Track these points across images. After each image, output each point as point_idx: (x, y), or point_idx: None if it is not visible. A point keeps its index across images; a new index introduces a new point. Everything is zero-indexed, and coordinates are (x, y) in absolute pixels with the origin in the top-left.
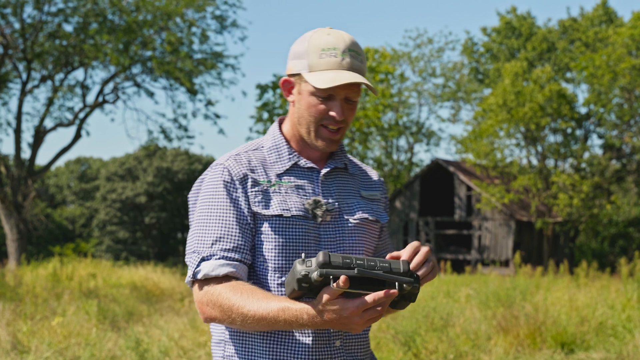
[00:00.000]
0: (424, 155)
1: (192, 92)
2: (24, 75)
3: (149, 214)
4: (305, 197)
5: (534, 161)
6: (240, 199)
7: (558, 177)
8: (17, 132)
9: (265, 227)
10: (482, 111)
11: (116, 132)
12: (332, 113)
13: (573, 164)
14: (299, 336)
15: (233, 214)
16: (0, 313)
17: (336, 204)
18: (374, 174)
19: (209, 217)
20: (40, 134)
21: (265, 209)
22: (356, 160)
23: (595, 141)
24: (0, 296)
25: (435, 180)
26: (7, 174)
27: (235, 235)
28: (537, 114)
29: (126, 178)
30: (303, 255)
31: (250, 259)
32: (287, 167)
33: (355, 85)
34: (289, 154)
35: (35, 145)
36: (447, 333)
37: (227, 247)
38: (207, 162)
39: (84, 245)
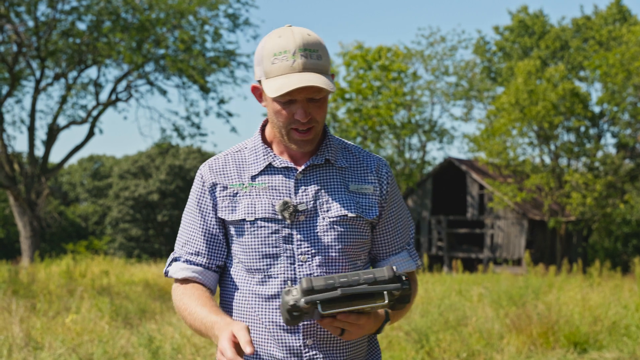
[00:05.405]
0: (436, 153)
1: (205, 90)
2: (38, 73)
3: (162, 212)
4: (277, 198)
5: (547, 160)
6: (208, 206)
7: (571, 176)
8: (31, 129)
9: (233, 232)
10: (495, 110)
11: (129, 130)
12: (296, 117)
13: (586, 163)
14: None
15: (198, 220)
16: (14, 310)
17: (310, 203)
18: (372, 165)
19: (184, 221)
20: (53, 132)
21: (231, 214)
22: (358, 150)
23: (608, 140)
24: (14, 293)
25: (448, 179)
26: (20, 172)
27: (198, 241)
28: (550, 113)
29: (139, 176)
30: (288, 284)
31: (216, 263)
32: (261, 168)
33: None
34: (264, 155)
35: (49, 143)
36: (460, 332)
37: (191, 251)
38: None
39: (97, 243)
